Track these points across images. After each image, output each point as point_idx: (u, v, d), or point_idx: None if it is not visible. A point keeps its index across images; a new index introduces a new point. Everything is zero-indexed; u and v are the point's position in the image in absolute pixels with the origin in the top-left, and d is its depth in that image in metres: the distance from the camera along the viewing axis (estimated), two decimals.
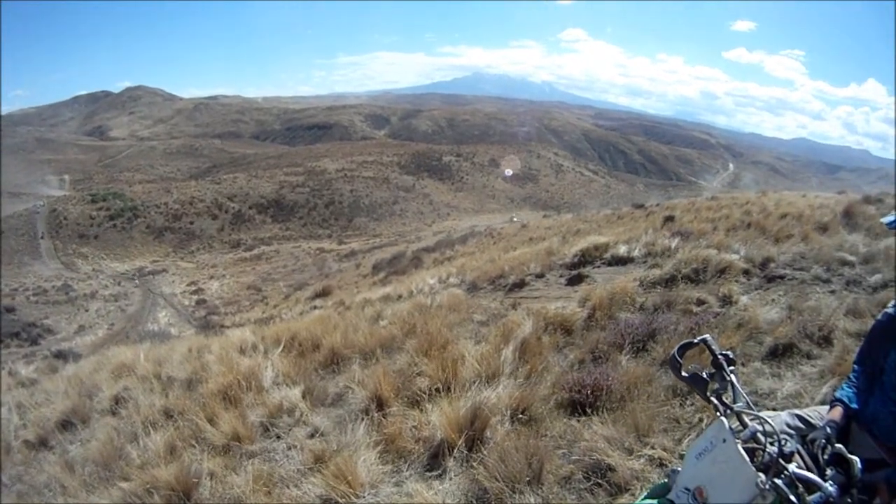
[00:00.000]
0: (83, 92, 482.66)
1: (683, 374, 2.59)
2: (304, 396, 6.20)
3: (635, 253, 11.41)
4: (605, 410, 4.82)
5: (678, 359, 2.61)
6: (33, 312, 54.79)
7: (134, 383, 7.96)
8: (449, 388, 5.61)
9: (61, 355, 20.16)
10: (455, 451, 4.60)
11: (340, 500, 4.21)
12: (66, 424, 7.18)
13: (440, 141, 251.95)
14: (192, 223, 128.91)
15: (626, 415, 4.63)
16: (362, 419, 5.35)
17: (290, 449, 5.34)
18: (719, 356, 2.58)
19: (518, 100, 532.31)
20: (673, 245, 11.34)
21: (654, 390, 5.10)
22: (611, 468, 4.08)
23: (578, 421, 4.86)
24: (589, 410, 4.93)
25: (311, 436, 5.48)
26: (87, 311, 56.49)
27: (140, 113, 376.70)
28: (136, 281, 76.96)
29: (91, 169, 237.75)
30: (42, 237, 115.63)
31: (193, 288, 66.36)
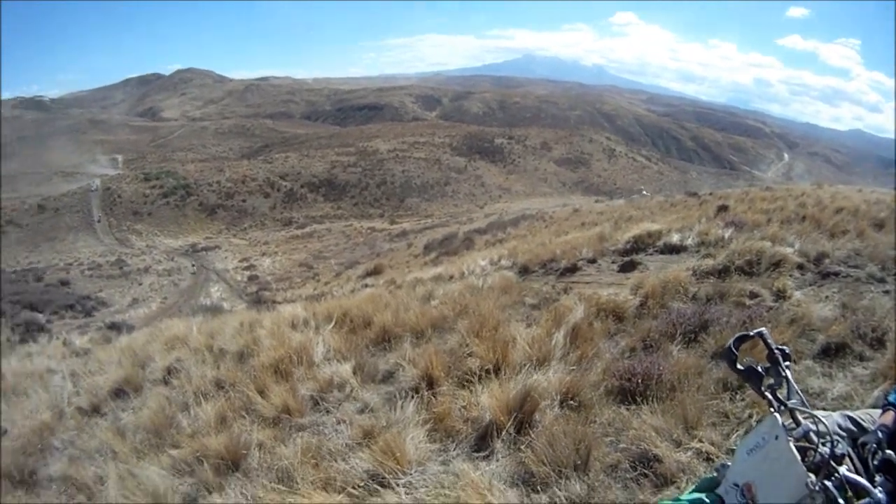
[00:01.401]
0: (133, 75, 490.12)
1: (738, 366, 2.50)
2: (354, 372, 6.19)
3: (688, 242, 11.17)
4: (654, 400, 4.72)
5: (734, 351, 2.52)
6: (87, 286, 55.78)
7: (186, 355, 8.06)
8: (499, 369, 5.56)
9: (115, 327, 20.47)
10: (503, 433, 4.55)
11: (387, 476, 4.19)
12: (118, 393, 7.29)
13: (491, 123, 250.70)
14: (244, 201, 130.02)
15: (675, 406, 4.53)
16: (412, 397, 5.32)
17: (339, 423, 5.33)
18: (775, 351, 2.49)
19: (569, 83, 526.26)
20: (726, 235, 11.08)
21: (704, 382, 4.97)
22: (658, 459, 4.00)
23: (627, 409, 4.79)
24: (639, 399, 4.83)
25: (361, 411, 5.48)
26: (140, 285, 57.30)
27: (191, 94, 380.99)
28: (192, 258, 77.63)
29: (144, 149, 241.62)
30: (98, 220, 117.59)
31: (246, 264, 66.94)
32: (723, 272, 8.53)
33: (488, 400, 4.86)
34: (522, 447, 4.34)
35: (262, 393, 5.90)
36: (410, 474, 4.27)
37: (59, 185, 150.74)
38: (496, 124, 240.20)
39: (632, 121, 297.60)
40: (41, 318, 32.38)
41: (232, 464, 4.83)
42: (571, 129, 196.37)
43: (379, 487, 4.15)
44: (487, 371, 5.55)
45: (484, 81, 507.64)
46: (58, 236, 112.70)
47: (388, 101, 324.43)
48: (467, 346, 6.30)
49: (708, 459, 4.00)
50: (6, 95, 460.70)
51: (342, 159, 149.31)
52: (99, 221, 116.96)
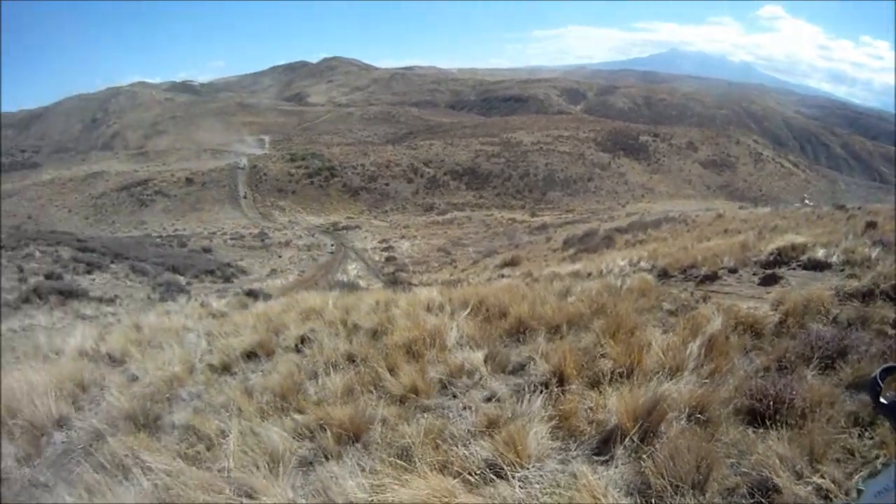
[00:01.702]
0: (280, 63, 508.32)
1: (882, 400, 2.22)
2: (485, 361, 6.12)
3: (833, 259, 10.43)
4: (783, 426, 4.44)
5: (879, 382, 2.23)
6: (229, 254, 58.06)
7: (320, 326, 8.16)
8: (631, 374, 5.40)
9: (252, 294, 21.11)
10: (626, 439, 4.37)
11: (505, 468, 4.10)
12: (250, 355, 7.46)
13: (636, 119, 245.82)
14: (387, 185, 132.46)
15: (802, 435, 4.23)
16: (541, 392, 5.19)
17: (464, 409, 5.29)
18: None
19: (716, 80, 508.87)
20: (873, 255, 10.28)
21: (834, 413, 4.59)
22: (777, 489, 3.74)
23: (754, 432, 4.51)
24: (767, 423, 4.55)
25: (488, 400, 5.41)
26: (280, 257, 59.14)
27: (337, 81, 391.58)
28: (332, 236, 79.55)
29: (290, 131, 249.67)
30: (245, 196, 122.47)
31: (384, 245, 67.87)
32: (867, 295, 7.87)
33: (616, 404, 4.71)
34: (644, 457, 4.17)
35: (391, 371, 5.92)
36: (528, 469, 4.18)
37: (208, 161, 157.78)
38: (641, 121, 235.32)
39: (780, 123, 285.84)
40: (182, 280, 33.85)
41: (353, 435, 4.85)
42: (718, 130, 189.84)
43: (495, 477, 4.07)
44: (619, 374, 5.42)
45: (629, 76, 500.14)
46: (203, 207, 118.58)
47: (533, 93, 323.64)
48: (601, 346, 6.15)
49: (826, 497, 3.73)
50: (157, 80, 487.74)
51: (486, 149, 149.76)
52: (245, 197, 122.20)
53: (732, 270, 10.59)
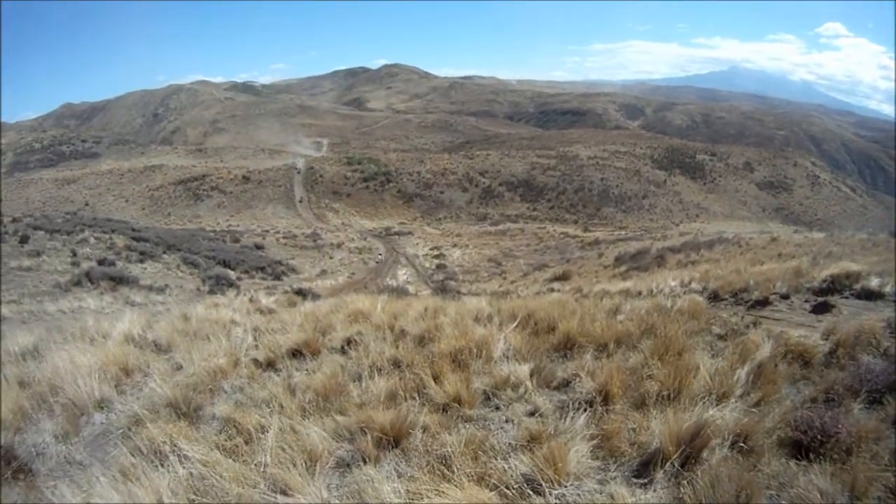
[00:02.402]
0: (341, 67, 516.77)
1: None
2: (531, 375, 6.06)
3: (887, 289, 10.18)
4: (826, 459, 4.34)
5: None
6: (280, 252, 58.60)
7: (367, 330, 8.13)
8: (677, 397, 5.31)
9: (301, 293, 21.18)
10: (667, 464, 4.31)
11: (543, 483, 4.07)
12: (295, 353, 7.45)
13: (694, 137, 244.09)
14: (441, 193, 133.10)
15: (845, 470, 4.13)
16: (585, 410, 5.19)
17: (506, 422, 5.27)
18: None
19: (776, 99, 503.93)
20: None
21: (879, 450, 4.48)
22: None
23: (797, 464, 4.41)
24: (811, 456, 4.45)
25: (531, 414, 5.37)
26: (331, 258, 59.33)
27: (396, 88, 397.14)
28: (384, 240, 79.84)
29: (348, 135, 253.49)
30: (300, 201, 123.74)
31: (435, 252, 67.62)
32: None
33: (660, 427, 4.64)
34: (684, 483, 4.12)
35: (436, 379, 5.91)
36: (566, 486, 4.14)
37: (265, 160, 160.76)
38: (699, 139, 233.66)
39: (839, 146, 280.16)
40: (232, 274, 34.21)
41: (394, 440, 4.84)
42: (776, 151, 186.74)
43: (532, 493, 4.06)
44: (665, 397, 5.34)
45: (688, 93, 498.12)
46: (258, 205, 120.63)
47: (591, 107, 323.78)
48: (648, 367, 6.09)
49: None
50: (218, 79, 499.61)
51: (542, 162, 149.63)
52: (301, 201, 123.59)
53: (784, 296, 10.37)
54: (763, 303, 10.09)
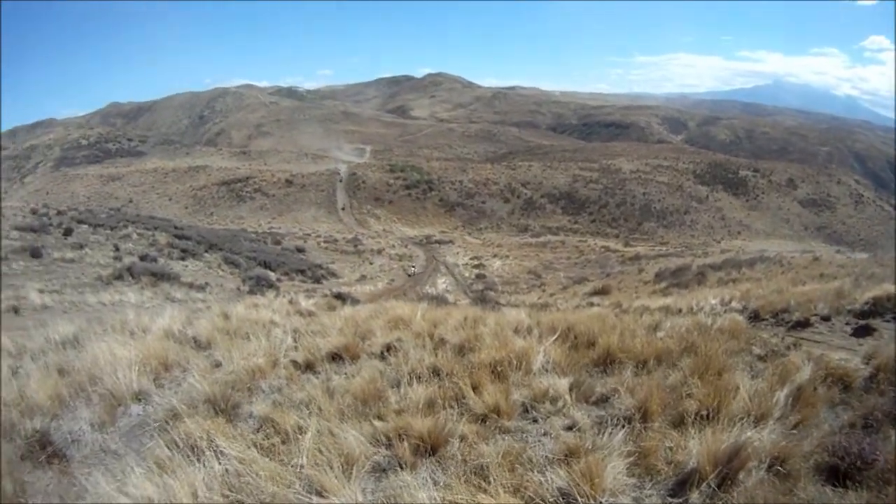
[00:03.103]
0: (386, 75, 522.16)
1: None
2: (570, 389, 6.07)
3: None
4: (863, 487, 4.31)
5: None
6: (321, 256, 59.12)
7: (407, 336, 8.16)
8: (715, 417, 5.26)
9: (341, 297, 21.27)
10: (703, 484, 4.29)
11: (578, 498, 4.07)
12: (335, 357, 7.48)
13: (737, 152, 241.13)
14: (483, 203, 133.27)
15: (881, 498, 4.13)
16: (623, 426, 5.15)
17: (544, 435, 5.27)
18: None
19: (820, 114, 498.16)
20: None
21: None
22: None
23: (833, 490, 4.37)
24: (847, 482, 4.40)
25: (569, 428, 5.35)
26: (371, 264, 59.66)
27: (440, 97, 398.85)
28: (425, 248, 79.86)
29: (391, 142, 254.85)
30: (343, 209, 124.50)
31: (476, 262, 67.21)
32: None
33: (697, 446, 4.62)
34: None
35: (475, 389, 5.91)
36: (601, 502, 4.14)
37: (308, 165, 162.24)
38: (742, 154, 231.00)
39: (883, 164, 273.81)
40: (273, 276, 34.60)
41: (431, 448, 4.85)
42: (819, 168, 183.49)
43: None
44: (703, 416, 5.28)
45: (732, 107, 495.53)
46: (300, 209, 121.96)
47: (634, 120, 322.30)
48: (688, 385, 6.04)
49: None
50: (265, 84, 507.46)
51: (584, 174, 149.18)
52: (343, 209, 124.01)
53: (825, 318, 10.25)
54: (804, 324, 10.02)
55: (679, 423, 5.28)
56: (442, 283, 48.47)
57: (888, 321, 9.79)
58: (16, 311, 14.60)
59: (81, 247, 26.41)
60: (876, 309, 10.32)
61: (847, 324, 9.84)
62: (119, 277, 21.57)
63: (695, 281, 29.85)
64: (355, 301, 19.98)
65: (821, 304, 10.86)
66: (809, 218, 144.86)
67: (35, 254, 22.72)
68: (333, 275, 47.05)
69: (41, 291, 17.05)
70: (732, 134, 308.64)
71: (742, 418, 5.17)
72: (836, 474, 4.50)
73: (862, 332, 9.28)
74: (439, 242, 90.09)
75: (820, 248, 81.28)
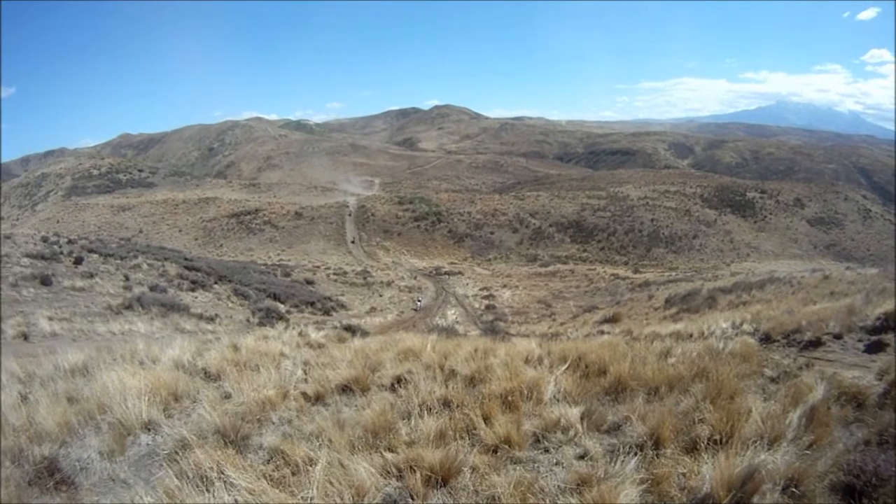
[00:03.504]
0: (394, 107, 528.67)
1: None
2: (581, 418, 6.06)
3: None
4: (879, 503, 4.30)
5: None
6: (330, 288, 59.29)
7: (417, 368, 8.16)
8: (728, 441, 5.26)
9: (350, 329, 21.28)
10: None
11: None
12: (345, 389, 7.47)
13: (744, 174, 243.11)
14: (492, 233, 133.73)
15: None
16: (635, 453, 5.14)
17: (556, 464, 5.26)
18: None
19: (824, 132, 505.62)
20: None
21: None
22: None
23: None
24: (864, 500, 4.40)
25: (581, 457, 5.35)
26: (380, 296, 59.80)
27: (448, 129, 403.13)
28: (434, 280, 79.93)
29: (399, 175, 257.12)
30: (353, 242, 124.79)
31: (485, 293, 67.21)
32: None
33: (711, 471, 4.62)
34: None
35: (486, 419, 5.92)
36: None
37: (317, 197, 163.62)
38: (749, 176, 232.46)
39: (889, 177, 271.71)
40: (282, 307, 34.78)
41: (442, 479, 4.83)
42: (826, 185, 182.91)
43: None
44: (716, 441, 5.29)
45: (737, 129, 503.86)
46: (310, 241, 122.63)
47: (641, 146, 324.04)
48: (700, 411, 6.04)
49: None
50: (275, 117, 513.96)
51: (592, 202, 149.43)
52: (353, 242, 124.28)
53: (837, 336, 10.18)
54: (816, 343, 9.96)
55: (692, 448, 5.28)
56: (452, 315, 48.41)
57: None
58: (25, 337, 14.72)
59: (92, 276, 26.52)
60: (888, 324, 10.22)
61: (859, 341, 9.80)
62: (129, 307, 21.66)
63: (705, 305, 29.79)
64: (365, 333, 19.97)
65: (832, 322, 10.80)
66: (818, 236, 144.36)
67: (45, 281, 22.87)
68: (343, 307, 47.14)
69: (51, 319, 17.22)
70: (738, 156, 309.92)
71: (755, 441, 5.17)
72: (852, 493, 4.49)
73: (874, 348, 9.25)
74: (448, 274, 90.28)
75: (830, 265, 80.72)
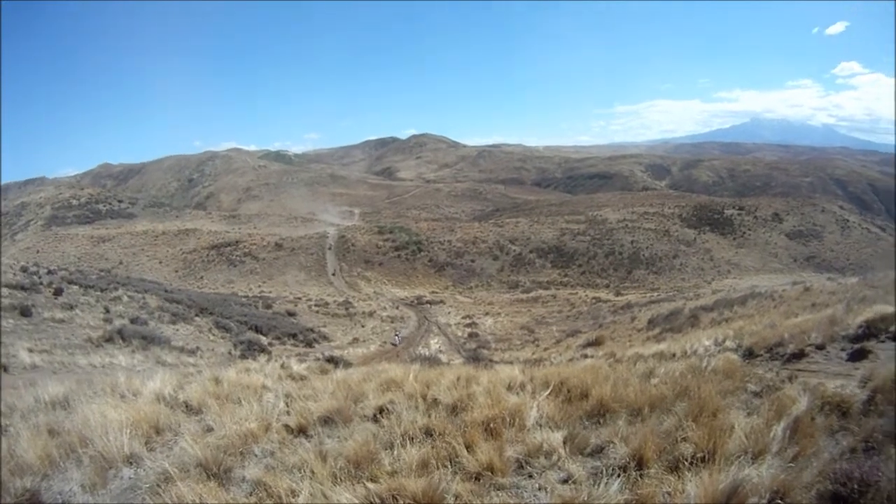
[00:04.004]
0: (372, 137, 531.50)
1: None
2: (564, 442, 6.10)
3: None
4: None
5: None
6: (312, 320, 59.04)
7: (399, 398, 8.17)
8: (712, 458, 5.31)
9: (333, 360, 21.29)
10: None
11: None
12: (327, 420, 7.46)
13: (721, 193, 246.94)
14: (472, 261, 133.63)
15: None
16: (618, 475, 5.22)
17: (539, 489, 5.28)
18: None
19: (799, 146, 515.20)
20: None
21: None
22: None
23: None
24: None
25: (564, 481, 5.39)
26: (363, 326, 59.60)
27: (426, 157, 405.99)
28: (416, 309, 79.79)
29: (379, 204, 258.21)
30: (334, 273, 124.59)
31: (468, 321, 67.09)
32: None
33: (695, 489, 4.67)
34: None
35: (468, 447, 5.93)
36: None
37: (297, 228, 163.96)
38: (726, 194, 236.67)
39: (865, 186, 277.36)
40: (264, 340, 34.74)
41: None
42: (803, 199, 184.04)
43: None
44: (701, 458, 5.35)
45: (712, 148, 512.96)
46: (290, 273, 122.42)
47: (618, 169, 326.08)
48: (683, 429, 6.08)
49: None
50: (254, 147, 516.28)
51: (571, 227, 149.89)
52: (334, 274, 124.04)
53: (820, 347, 10.31)
54: (799, 355, 10.09)
55: (675, 467, 5.31)
56: (435, 344, 48.33)
57: (883, 342, 9.85)
58: (5, 369, 14.57)
59: (72, 307, 26.33)
60: (870, 331, 10.38)
61: (842, 350, 9.94)
62: (109, 340, 21.53)
63: (688, 324, 29.94)
64: (348, 364, 20.00)
65: (814, 333, 10.91)
66: (798, 249, 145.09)
67: (25, 312, 22.65)
68: (325, 338, 47.06)
69: (31, 351, 17.02)
70: (715, 175, 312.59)
71: (739, 456, 5.25)
72: (840, 501, 4.53)
73: (857, 356, 9.38)
74: (430, 303, 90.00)
75: (811, 277, 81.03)
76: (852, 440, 5.69)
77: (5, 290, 25.87)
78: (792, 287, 37.86)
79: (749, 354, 11.02)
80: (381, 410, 7.74)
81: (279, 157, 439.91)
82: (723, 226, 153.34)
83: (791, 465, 5.17)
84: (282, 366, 13.86)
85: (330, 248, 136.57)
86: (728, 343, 13.24)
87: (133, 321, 26.35)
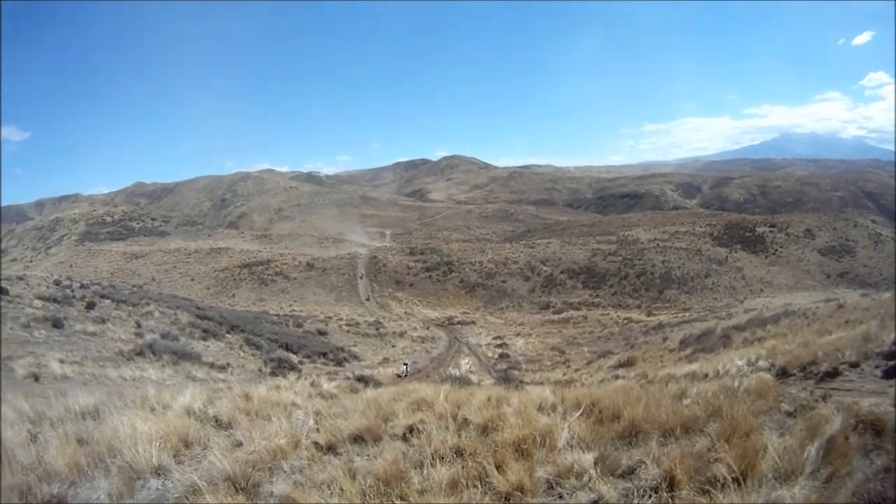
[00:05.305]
0: (403, 159, 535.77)
1: None
2: (595, 463, 6.04)
3: None
4: None
5: None
6: (343, 339, 59.12)
7: (430, 418, 8.16)
8: (744, 479, 5.22)
9: (363, 379, 21.34)
10: None
11: None
12: (356, 439, 7.49)
13: (752, 210, 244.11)
14: (504, 282, 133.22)
15: None
16: (650, 496, 5.22)
17: None
18: None
19: (830, 160, 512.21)
20: None
21: None
22: None
23: None
24: None
25: (594, 502, 5.36)
26: (393, 346, 59.58)
27: (457, 179, 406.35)
28: (447, 330, 79.67)
29: (410, 225, 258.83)
30: (368, 299, 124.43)
31: (498, 342, 66.78)
32: None
33: None
34: None
35: (499, 467, 5.90)
36: None
37: (329, 248, 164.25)
38: (757, 211, 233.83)
39: None
40: (294, 358, 34.82)
41: None
42: (834, 213, 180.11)
43: None
44: (733, 479, 5.25)
45: (743, 165, 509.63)
46: (322, 292, 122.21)
47: (648, 189, 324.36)
48: (715, 450, 5.99)
49: None
50: (286, 169, 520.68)
51: (603, 247, 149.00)
52: (368, 300, 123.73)
53: (854, 364, 10.18)
54: (833, 374, 9.97)
55: (707, 489, 5.24)
56: (465, 364, 48.14)
57: None
58: (36, 378, 14.74)
59: (104, 321, 26.64)
60: None
61: (877, 367, 9.79)
62: (140, 354, 21.76)
63: (720, 344, 29.62)
64: (378, 383, 19.98)
65: (848, 351, 10.78)
66: (831, 265, 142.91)
67: (57, 324, 22.97)
68: (356, 357, 47.08)
69: (62, 361, 17.22)
70: (746, 192, 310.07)
71: (772, 477, 5.21)
72: None
73: (892, 373, 9.23)
74: (461, 323, 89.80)
75: (844, 294, 79.76)
76: (887, 459, 5.58)
77: (38, 302, 26.28)
78: (825, 304, 37.40)
79: (782, 374, 10.87)
80: (411, 429, 7.72)
81: (311, 178, 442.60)
82: (754, 243, 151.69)
83: (825, 485, 5.10)
84: (312, 384, 13.88)
85: (361, 274, 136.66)
86: (761, 362, 13.07)
87: (164, 336, 26.57)
